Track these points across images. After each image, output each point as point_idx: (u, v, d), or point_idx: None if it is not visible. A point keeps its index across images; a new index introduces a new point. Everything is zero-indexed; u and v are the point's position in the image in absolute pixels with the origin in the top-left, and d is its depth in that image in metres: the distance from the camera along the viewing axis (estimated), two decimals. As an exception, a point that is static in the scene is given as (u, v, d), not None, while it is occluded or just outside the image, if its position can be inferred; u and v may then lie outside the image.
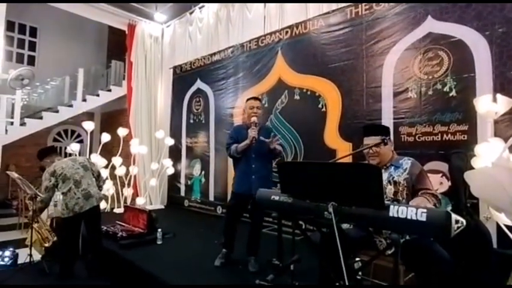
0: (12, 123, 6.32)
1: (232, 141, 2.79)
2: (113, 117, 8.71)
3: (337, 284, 1.55)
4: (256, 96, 2.99)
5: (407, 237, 1.67)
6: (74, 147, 5.42)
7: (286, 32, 4.28)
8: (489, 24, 2.71)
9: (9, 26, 7.83)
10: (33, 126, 6.69)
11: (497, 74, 2.64)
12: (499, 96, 2.35)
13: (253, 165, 2.72)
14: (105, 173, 4.95)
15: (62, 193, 2.97)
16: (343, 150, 3.53)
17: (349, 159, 3.07)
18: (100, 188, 3.24)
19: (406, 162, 1.90)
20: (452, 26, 2.90)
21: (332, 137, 3.70)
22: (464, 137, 2.79)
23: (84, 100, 7.34)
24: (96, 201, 3.03)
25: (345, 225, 1.88)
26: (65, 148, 8.48)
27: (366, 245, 1.87)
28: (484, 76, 2.70)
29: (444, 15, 2.95)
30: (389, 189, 1.84)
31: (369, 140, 1.95)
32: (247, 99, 2.92)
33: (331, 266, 1.63)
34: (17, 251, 3.55)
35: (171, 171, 5.81)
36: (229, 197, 4.62)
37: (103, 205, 4.87)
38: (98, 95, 7.53)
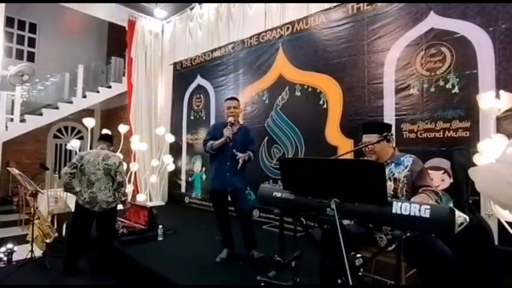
0: (12, 120, 6.30)
1: (209, 138, 2.86)
2: (113, 113, 8.70)
3: (339, 280, 1.55)
4: (233, 97, 3.08)
5: (409, 234, 1.67)
6: (74, 143, 5.41)
7: (287, 28, 4.26)
8: (492, 20, 2.69)
9: (9, 22, 7.78)
10: (33, 122, 6.68)
11: (500, 70, 2.63)
12: (502, 92, 2.34)
13: (228, 163, 2.77)
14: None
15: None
16: (344, 147, 3.52)
17: (350, 156, 3.07)
18: (119, 197, 3.12)
19: (408, 159, 1.88)
20: (455, 22, 2.88)
21: (333, 133, 3.69)
22: (466, 133, 2.78)
23: (84, 97, 7.32)
24: (98, 208, 2.96)
25: (345, 222, 1.88)
26: (65, 145, 8.47)
27: (367, 241, 1.86)
28: (487, 72, 2.69)
29: (447, 11, 2.93)
30: (389, 186, 1.83)
31: (367, 138, 1.95)
32: (226, 99, 2.99)
33: (332, 262, 1.62)
34: (16, 247, 3.54)
35: (171, 167, 5.80)
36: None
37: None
38: (98, 92, 7.51)
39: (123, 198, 3.17)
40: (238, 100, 2.98)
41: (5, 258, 3.38)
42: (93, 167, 2.98)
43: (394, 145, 1.99)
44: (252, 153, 2.86)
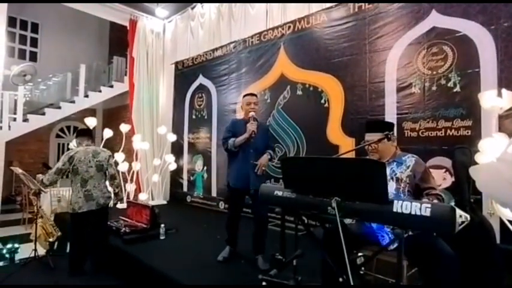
0: (15, 120, 6.33)
1: (230, 135, 2.77)
2: (115, 113, 8.72)
3: (340, 278, 1.56)
4: (252, 93, 3.05)
5: (410, 232, 1.67)
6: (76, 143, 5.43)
7: (289, 27, 4.25)
8: (494, 18, 2.68)
9: (11, 22, 7.82)
10: (36, 122, 6.71)
11: (502, 68, 2.62)
12: (503, 91, 2.33)
13: (250, 161, 2.71)
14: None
15: (71, 187, 3.00)
16: (346, 146, 3.52)
17: (351, 155, 3.07)
18: (113, 189, 3.18)
19: (410, 159, 1.88)
20: (457, 20, 2.87)
21: (335, 132, 3.69)
22: (468, 132, 2.77)
23: (86, 96, 7.35)
24: (95, 206, 2.96)
25: (347, 220, 1.88)
26: (68, 144, 8.51)
27: (369, 240, 1.87)
28: (489, 71, 2.68)
29: (449, 10, 2.92)
30: (391, 186, 1.83)
31: (369, 136, 1.96)
32: (244, 96, 2.97)
33: (334, 261, 1.63)
34: (20, 245, 3.57)
35: (173, 167, 5.83)
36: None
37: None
38: (100, 91, 7.53)
39: (116, 190, 3.21)
40: (257, 96, 2.97)
41: (8, 257, 3.41)
42: (86, 165, 2.97)
43: (396, 144, 1.99)
44: (272, 150, 2.88)
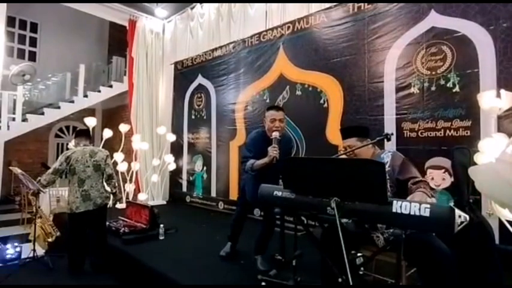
0: (14, 119, 6.32)
1: (251, 156, 2.50)
2: (114, 113, 8.71)
3: (339, 279, 1.56)
4: (279, 106, 2.65)
5: (407, 232, 1.67)
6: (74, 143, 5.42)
7: (288, 27, 4.26)
8: (493, 19, 2.68)
9: (10, 21, 7.80)
10: (35, 122, 6.68)
11: (501, 69, 2.63)
12: (502, 91, 2.34)
13: (269, 179, 2.38)
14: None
15: (69, 187, 2.99)
16: (345, 146, 3.52)
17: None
18: (110, 189, 3.18)
19: (387, 155, 1.87)
20: (456, 20, 2.87)
21: (334, 132, 3.69)
22: (467, 132, 2.78)
23: (86, 96, 7.33)
24: (93, 206, 2.96)
25: (343, 220, 1.88)
26: (67, 144, 8.50)
27: (365, 240, 1.87)
28: (488, 71, 2.69)
29: (448, 10, 2.93)
30: None
31: (346, 142, 1.99)
32: (268, 109, 2.58)
33: (333, 261, 1.63)
34: (20, 245, 3.57)
35: (172, 167, 5.82)
36: (230, 193, 4.61)
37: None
38: (99, 91, 7.50)
39: (113, 190, 3.21)
40: (283, 110, 2.55)
41: (15, 256, 3.42)
42: (83, 165, 2.98)
43: (373, 145, 1.97)
44: None
